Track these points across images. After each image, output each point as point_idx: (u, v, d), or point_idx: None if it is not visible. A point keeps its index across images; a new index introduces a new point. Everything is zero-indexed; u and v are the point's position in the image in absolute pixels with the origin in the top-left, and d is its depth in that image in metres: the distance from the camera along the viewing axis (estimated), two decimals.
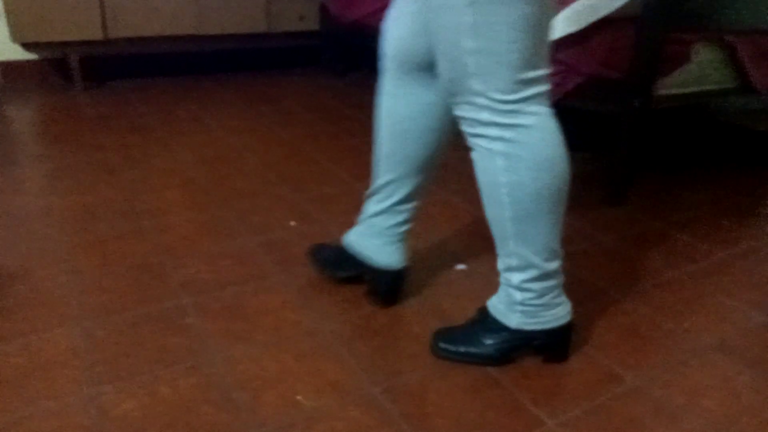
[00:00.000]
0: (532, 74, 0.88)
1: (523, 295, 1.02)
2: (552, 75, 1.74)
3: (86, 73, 3.07)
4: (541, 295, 1.02)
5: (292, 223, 1.58)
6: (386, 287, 1.22)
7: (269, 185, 1.82)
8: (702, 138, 2.52)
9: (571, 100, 1.80)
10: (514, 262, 1.00)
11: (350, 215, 1.64)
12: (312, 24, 3.21)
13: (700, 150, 2.35)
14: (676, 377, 1.06)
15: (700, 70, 1.75)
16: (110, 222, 1.56)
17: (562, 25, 1.65)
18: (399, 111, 1.10)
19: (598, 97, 1.74)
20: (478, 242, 1.52)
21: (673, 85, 1.71)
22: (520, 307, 1.03)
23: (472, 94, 0.90)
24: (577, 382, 1.04)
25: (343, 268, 1.27)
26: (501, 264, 1.04)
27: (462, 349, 1.07)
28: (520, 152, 0.91)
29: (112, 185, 1.78)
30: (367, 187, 1.83)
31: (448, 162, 2.06)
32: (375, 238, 1.20)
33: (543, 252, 0.98)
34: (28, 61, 2.98)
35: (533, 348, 1.07)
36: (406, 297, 1.27)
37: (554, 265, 1.00)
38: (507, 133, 0.91)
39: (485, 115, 0.90)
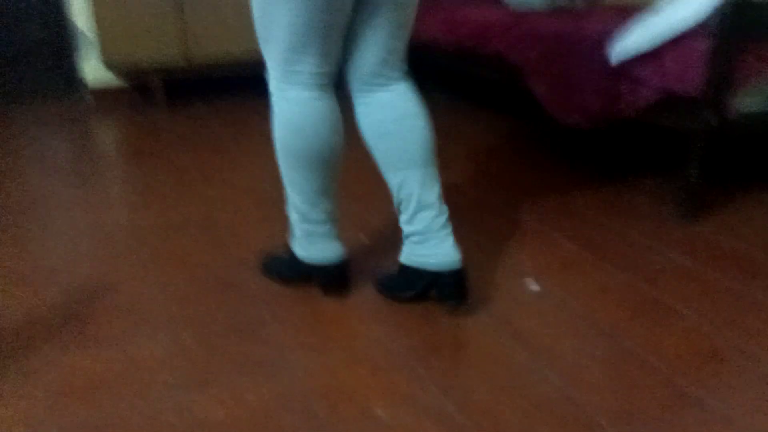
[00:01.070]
0: (298, 61, 1.16)
1: (296, 229, 1.32)
2: (624, 91, 1.73)
3: (168, 95, 3.25)
4: (307, 234, 1.30)
5: (364, 239, 1.63)
6: (453, 287, 1.26)
7: (338, 201, 1.88)
8: None
9: (645, 116, 1.78)
10: (289, 199, 1.30)
11: None
12: None
13: None
14: (760, 402, 1.03)
15: None
16: (192, 236, 1.65)
17: (634, 42, 1.64)
18: (377, 117, 1.26)
19: (672, 113, 1.71)
20: (552, 263, 1.52)
21: (752, 102, 1.66)
22: (296, 241, 1.34)
23: (268, 68, 1.23)
24: (652, 402, 1.02)
25: (410, 287, 1.32)
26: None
27: (275, 269, 1.42)
28: (282, 117, 1.21)
29: (193, 201, 1.88)
30: None
31: (519, 181, 2.06)
32: (425, 242, 1.27)
33: (304, 198, 1.26)
34: (116, 86, 3.19)
35: (319, 281, 1.36)
36: (480, 315, 1.29)
37: (315, 214, 1.27)
38: (278, 102, 1.21)
39: (272, 84, 1.23)
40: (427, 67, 3.63)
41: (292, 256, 1.38)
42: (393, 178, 1.27)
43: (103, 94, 3.20)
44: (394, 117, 1.25)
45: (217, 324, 1.25)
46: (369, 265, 1.49)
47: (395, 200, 1.29)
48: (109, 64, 2.79)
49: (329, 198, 1.28)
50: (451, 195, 1.93)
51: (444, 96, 3.33)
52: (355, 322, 1.26)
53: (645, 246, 1.60)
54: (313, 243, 1.31)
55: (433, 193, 1.26)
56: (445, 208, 1.27)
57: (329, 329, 1.23)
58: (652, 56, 1.65)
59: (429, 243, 1.26)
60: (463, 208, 1.83)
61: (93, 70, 3.17)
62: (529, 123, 2.77)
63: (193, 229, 1.69)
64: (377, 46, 1.22)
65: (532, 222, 1.74)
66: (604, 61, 1.78)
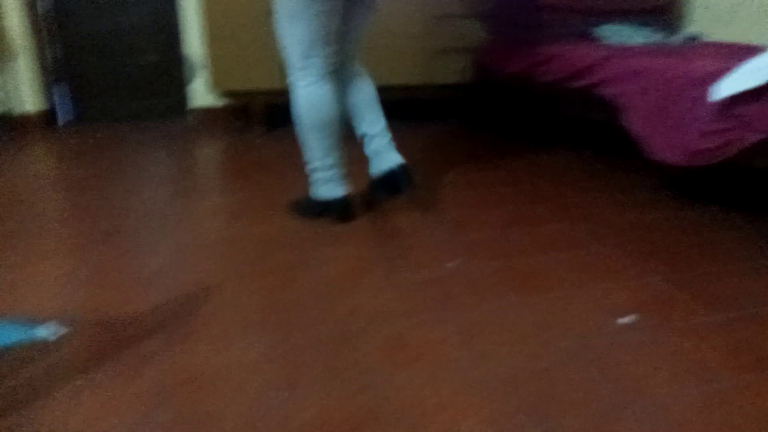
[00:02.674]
0: (310, 58, 1.76)
1: (314, 177, 1.92)
2: (727, 130, 1.68)
3: (265, 118, 3.43)
4: (323, 180, 1.91)
5: (450, 264, 1.65)
6: (403, 176, 1.94)
7: (427, 226, 1.92)
8: None
9: (745, 158, 1.72)
10: (309, 158, 1.90)
11: (501, 259, 1.68)
12: (465, 77, 3.35)
13: None
14: None
15: None
16: (285, 250, 1.73)
17: (741, 80, 1.61)
18: (351, 91, 1.95)
19: None
20: (643, 299, 1.49)
21: None
22: (315, 187, 1.94)
23: (288, 65, 1.83)
24: None
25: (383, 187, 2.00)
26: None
27: (301, 210, 2.01)
28: (302, 98, 1.81)
29: (285, 216, 1.98)
30: (517, 234, 1.86)
31: (605, 216, 2.03)
32: (379, 155, 1.96)
33: (319, 152, 1.86)
34: (217, 108, 3.41)
35: (333, 213, 1.94)
36: (569, 347, 1.28)
37: (328, 161, 1.88)
38: (298, 88, 1.81)
39: (291, 76, 1.82)
40: (514, 102, 3.64)
41: (311, 200, 1.98)
42: (359, 128, 1.96)
43: (205, 115, 3.42)
44: (358, 90, 1.94)
45: (309, 334, 1.30)
46: (451, 288, 1.51)
47: (360, 138, 1.98)
48: (218, 88, 2.99)
49: (336, 150, 1.88)
50: (539, 226, 1.93)
51: (526, 131, 3.33)
52: (440, 343, 1.28)
53: (741, 288, 1.54)
54: (326, 184, 1.91)
55: (379, 127, 1.95)
56: (388, 134, 1.97)
57: (415, 349, 1.26)
58: (758, 96, 1.61)
59: (381, 156, 1.95)
60: (549, 241, 1.82)
61: (197, 93, 3.40)
62: (612, 159, 2.72)
63: (286, 244, 1.77)
64: (353, 43, 1.91)
65: (622, 258, 1.71)
66: (707, 99, 1.75)
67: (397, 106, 3.73)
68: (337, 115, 1.84)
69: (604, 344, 1.28)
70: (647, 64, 2.05)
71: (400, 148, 2.80)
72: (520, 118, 3.60)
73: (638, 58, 2.14)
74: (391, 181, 1.95)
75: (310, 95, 1.79)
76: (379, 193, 2.03)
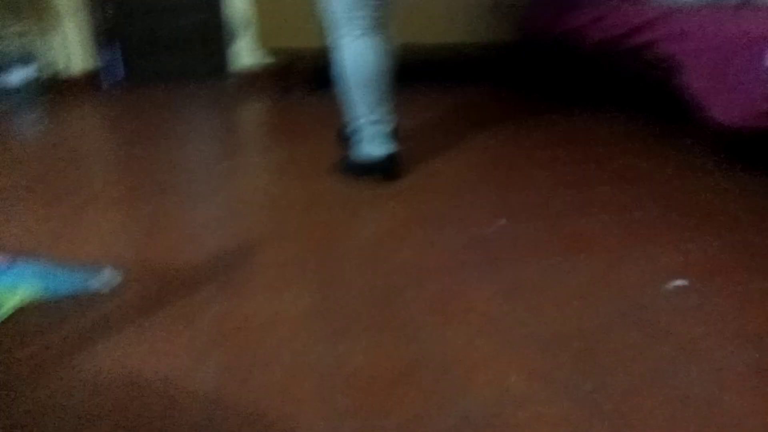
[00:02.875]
0: (352, 17, 1.75)
1: (363, 134, 1.89)
2: None
3: (307, 79, 3.42)
4: (371, 136, 1.88)
5: (491, 229, 1.63)
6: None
7: (475, 185, 1.90)
8: None
9: None
10: (356, 115, 1.87)
11: (546, 220, 1.65)
12: (509, 36, 3.26)
13: None
14: None
15: None
16: (330, 208, 1.74)
17: None
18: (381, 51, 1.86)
19: None
20: (699, 262, 1.44)
21: None
22: (363, 144, 1.90)
23: (333, 26, 1.82)
24: None
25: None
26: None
27: (347, 169, 1.97)
28: (346, 53, 1.80)
29: (330, 177, 1.98)
30: (562, 195, 1.83)
31: (653, 178, 1.97)
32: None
33: (366, 107, 1.84)
34: (260, 69, 3.41)
35: (378, 171, 1.91)
36: (620, 306, 1.25)
37: (375, 116, 1.86)
38: (343, 43, 1.80)
39: (336, 34, 1.81)
40: (562, 62, 3.54)
41: (356, 160, 1.95)
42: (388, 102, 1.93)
43: (248, 77, 3.43)
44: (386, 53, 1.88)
45: (355, 288, 1.31)
46: (501, 245, 1.50)
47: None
48: (263, 45, 2.98)
49: (381, 106, 1.86)
50: (585, 188, 1.89)
51: (574, 92, 3.24)
52: (490, 298, 1.27)
53: None
54: (372, 141, 1.89)
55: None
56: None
57: (461, 306, 1.25)
58: None
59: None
60: (596, 204, 1.78)
61: (241, 54, 3.41)
62: (663, 121, 2.63)
63: (332, 201, 1.78)
64: (390, 6, 1.86)
65: (669, 221, 1.66)
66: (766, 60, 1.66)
67: (438, 66, 3.68)
68: (384, 70, 1.82)
69: (651, 307, 1.26)
70: (704, 23, 1.95)
71: (441, 108, 2.77)
72: (568, 78, 3.50)
73: (694, 17, 2.05)
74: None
75: (355, 49, 1.78)
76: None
